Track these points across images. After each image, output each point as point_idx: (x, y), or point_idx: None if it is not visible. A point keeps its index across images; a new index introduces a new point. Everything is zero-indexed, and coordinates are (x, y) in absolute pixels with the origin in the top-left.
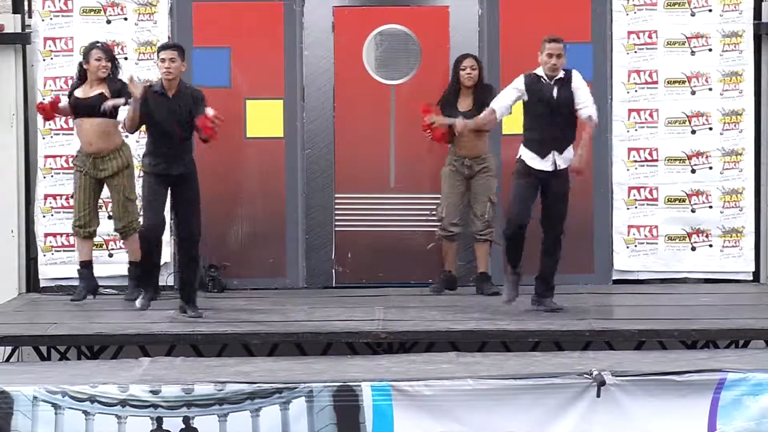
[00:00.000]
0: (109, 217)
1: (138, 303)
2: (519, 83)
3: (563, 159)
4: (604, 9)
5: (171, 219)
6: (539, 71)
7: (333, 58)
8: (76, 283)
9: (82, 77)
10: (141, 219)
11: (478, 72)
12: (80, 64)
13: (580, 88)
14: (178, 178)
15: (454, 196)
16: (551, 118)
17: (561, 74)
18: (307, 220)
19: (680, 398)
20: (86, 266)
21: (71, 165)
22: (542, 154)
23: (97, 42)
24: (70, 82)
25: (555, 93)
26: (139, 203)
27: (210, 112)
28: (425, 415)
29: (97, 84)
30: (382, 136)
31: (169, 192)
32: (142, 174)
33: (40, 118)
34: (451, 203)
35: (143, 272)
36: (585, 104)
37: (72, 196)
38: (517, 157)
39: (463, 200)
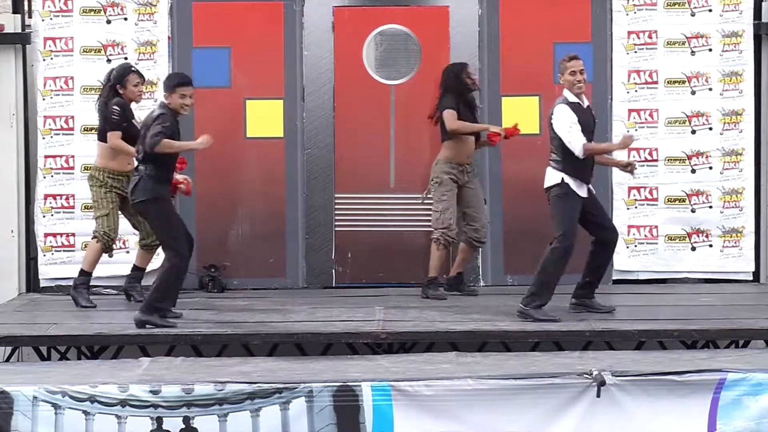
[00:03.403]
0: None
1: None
2: (569, 113)
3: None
4: (604, 9)
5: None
6: (570, 97)
7: (333, 58)
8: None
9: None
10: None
11: None
12: (113, 87)
13: None
14: None
15: (455, 203)
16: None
17: (586, 101)
18: (307, 220)
19: (680, 398)
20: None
21: (103, 181)
22: (584, 180)
23: (132, 66)
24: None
25: (593, 118)
26: None
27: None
28: (425, 415)
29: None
30: (382, 136)
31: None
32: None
33: (40, 118)
34: (455, 211)
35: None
36: None
37: (97, 216)
38: (558, 182)
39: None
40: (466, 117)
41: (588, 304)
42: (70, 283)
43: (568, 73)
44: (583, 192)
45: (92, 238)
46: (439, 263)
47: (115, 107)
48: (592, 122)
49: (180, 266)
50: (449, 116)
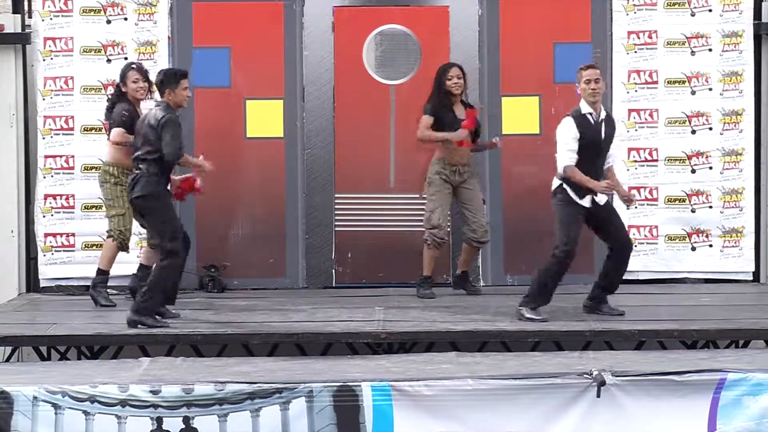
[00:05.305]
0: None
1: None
2: (572, 127)
3: (600, 197)
4: (604, 9)
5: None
6: (583, 108)
7: (333, 58)
8: (75, 283)
9: (119, 98)
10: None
11: (464, 81)
12: (118, 86)
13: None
14: None
15: (447, 204)
16: (595, 157)
17: (604, 113)
18: (307, 220)
19: (680, 398)
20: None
21: (117, 177)
22: (580, 195)
23: (133, 63)
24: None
25: (603, 132)
26: None
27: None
28: (425, 415)
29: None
30: (382, 136)
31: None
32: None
33: (40, 118)
34: (446, 211)
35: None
36: (615, 148)
37: (112, 215)
38: (558, 186)
39: (451, 208)
40: (446, 122)
41: (597, 308)
42: (70, 283)
43: (584, 81)
44: (586, 202)
45: (107, 237)
46: (430, 262)
47: (124, 112)
48: (600, 136)
49: (174, 266)
50: (421, 123)
